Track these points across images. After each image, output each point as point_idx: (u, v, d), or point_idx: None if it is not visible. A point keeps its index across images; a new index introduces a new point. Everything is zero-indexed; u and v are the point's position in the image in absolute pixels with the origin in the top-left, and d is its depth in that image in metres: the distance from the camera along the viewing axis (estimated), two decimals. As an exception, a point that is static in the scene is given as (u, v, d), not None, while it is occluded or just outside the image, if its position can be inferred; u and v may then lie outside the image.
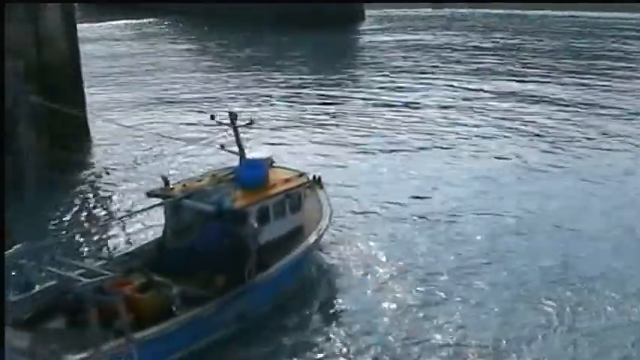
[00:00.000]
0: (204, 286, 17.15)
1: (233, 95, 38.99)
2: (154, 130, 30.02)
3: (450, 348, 16.93)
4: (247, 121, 19.46)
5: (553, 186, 26.10)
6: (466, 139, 31.18)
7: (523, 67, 45.14)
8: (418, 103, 37.03)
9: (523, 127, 32.88)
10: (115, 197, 25.20)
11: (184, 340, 16.17)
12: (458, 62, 46.74)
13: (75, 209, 24.02)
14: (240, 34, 55.83)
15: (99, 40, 54.06)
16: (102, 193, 25.80)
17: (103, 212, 23.86)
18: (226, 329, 16.92)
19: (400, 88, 40.22)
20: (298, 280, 19.06)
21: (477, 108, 35.93)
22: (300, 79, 42.89)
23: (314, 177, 21.42)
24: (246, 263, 17.35)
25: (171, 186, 18.90)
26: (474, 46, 51.85)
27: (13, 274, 16.59)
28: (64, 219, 22.98)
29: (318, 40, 53.44)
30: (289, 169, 20.60)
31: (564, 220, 23.12)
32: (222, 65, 47.72)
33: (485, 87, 40.09)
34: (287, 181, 19.50)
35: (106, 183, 26.61)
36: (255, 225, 17.48)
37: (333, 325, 17.99)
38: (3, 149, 22.79)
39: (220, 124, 19.46)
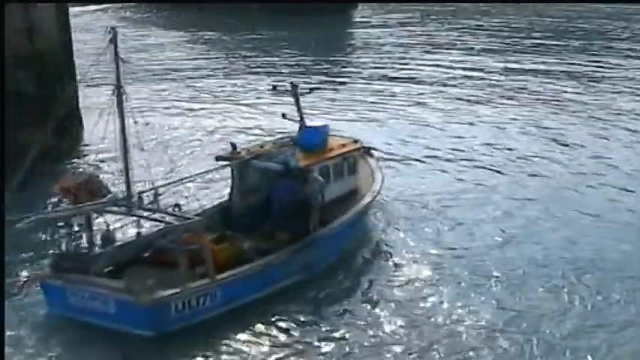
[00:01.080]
0: (268, 242, 18.64)
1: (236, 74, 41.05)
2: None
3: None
4: (308, 90, 20.96)
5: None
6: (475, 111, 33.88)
7: (515, 46, 48.83)
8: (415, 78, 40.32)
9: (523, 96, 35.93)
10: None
11: (259, 284, 17.58)
12: (451, 42, 50.16)
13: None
14: (234, 21, 57.67)
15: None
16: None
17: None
18: (294, 277, 18.31)
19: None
20: (355, 237, 20.49)
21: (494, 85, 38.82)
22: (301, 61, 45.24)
23: (364, 146, 22.87)
24: (311, 218, 18.83)
25: (237, 150, 20.43)
26: (466, 29, 55.18)
27: (97, 229, 18.08)
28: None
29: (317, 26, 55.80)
30: (344, 137, 22.08)
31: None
32: (219, 49, 49.89)
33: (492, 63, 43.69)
34: (343, 145, 21.01)
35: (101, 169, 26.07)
36: (321, 179, 18.96)
37: (386, 277, 19.30)
38: (3, 149, 23.34)
39: (282, 92, 20.93)
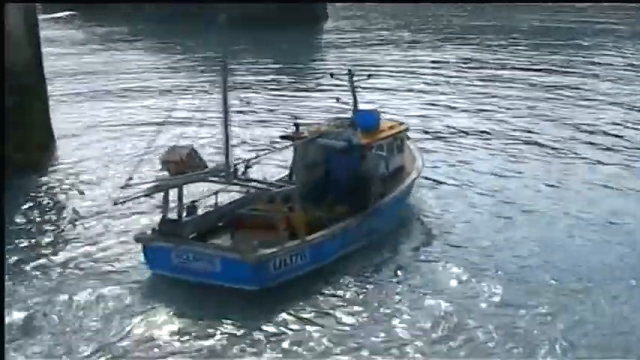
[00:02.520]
0: (329, 214, 20.84)
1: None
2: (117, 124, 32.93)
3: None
4: (366, 76, 23.30)
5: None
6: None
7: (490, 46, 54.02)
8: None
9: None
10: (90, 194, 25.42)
11: (337, 246, 19.87)
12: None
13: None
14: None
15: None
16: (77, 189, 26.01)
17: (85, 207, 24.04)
18: (362, 242, 20.59)
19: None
20: (404, 208, 22.99)
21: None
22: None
23: None
24: (372, 190, 21.13)
25: (300, 130, 22.61)
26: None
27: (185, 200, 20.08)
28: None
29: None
30: (391, 120, 24.45)
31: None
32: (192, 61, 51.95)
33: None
34: (392, 127, 23.38)
35: (75, 182, 26.71)
36: (384, 154, 21.29)
37: (434, 237, 21.84)
38: (3, 148, 24.07)
39: (339, 79, 23.22)
